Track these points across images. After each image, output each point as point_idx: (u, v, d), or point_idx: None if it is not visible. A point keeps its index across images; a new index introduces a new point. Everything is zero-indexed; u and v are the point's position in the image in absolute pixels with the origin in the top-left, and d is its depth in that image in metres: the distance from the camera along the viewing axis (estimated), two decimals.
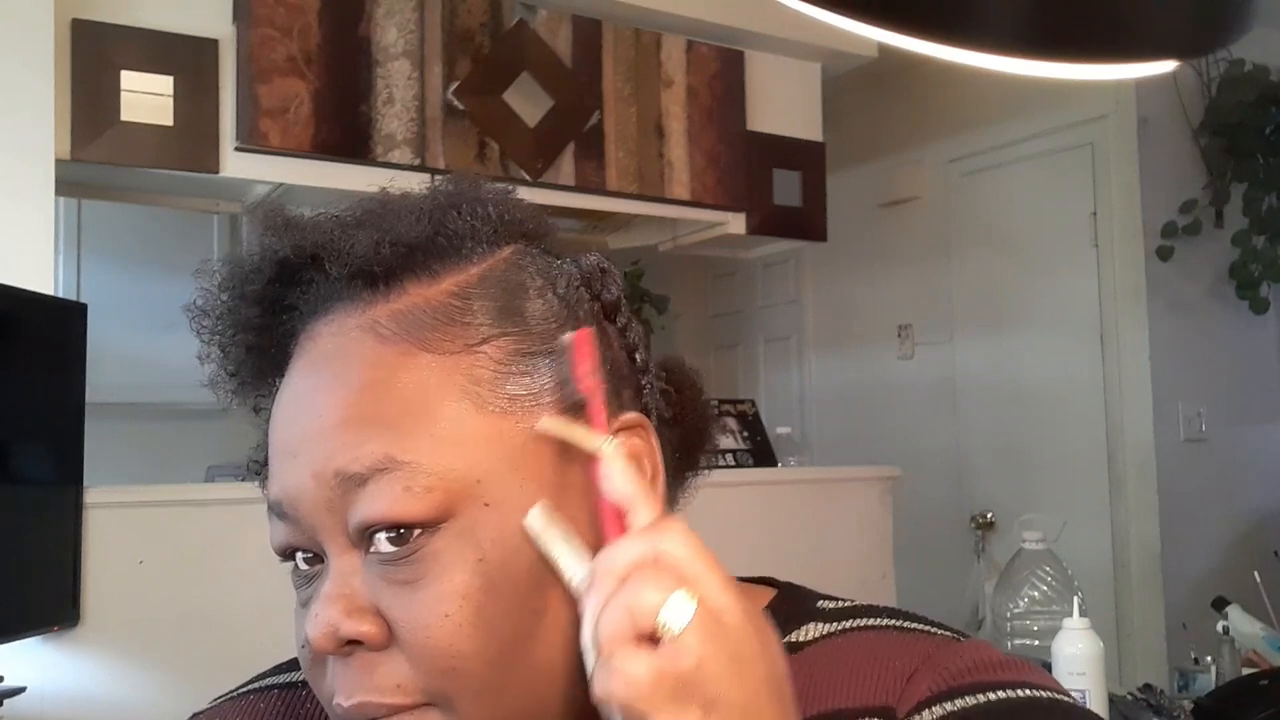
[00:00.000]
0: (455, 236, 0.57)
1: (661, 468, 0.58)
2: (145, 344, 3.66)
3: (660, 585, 0.47)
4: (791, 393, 4.77)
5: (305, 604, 0.55)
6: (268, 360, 0.60)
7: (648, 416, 0.59)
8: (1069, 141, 3.75)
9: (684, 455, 0.66)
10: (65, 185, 2.30)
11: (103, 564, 2.08)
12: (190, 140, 2.33)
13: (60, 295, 2.45)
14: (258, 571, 2.21)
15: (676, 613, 0.47)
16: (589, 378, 0.55)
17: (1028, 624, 2.13)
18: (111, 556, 2.10)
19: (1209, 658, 2.10)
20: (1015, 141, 3.89)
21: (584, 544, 0.53)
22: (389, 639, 0.52)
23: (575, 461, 0.55)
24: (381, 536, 0.52)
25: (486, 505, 0.52)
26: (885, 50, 3.01)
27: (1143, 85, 3.42)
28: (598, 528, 0.53)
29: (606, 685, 0.46)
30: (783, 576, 0.69)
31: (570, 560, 0.52)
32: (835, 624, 0.63)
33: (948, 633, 0.63)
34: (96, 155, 2.25)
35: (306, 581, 0.56)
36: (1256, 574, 2.30)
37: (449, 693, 0.52)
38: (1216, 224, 3.57)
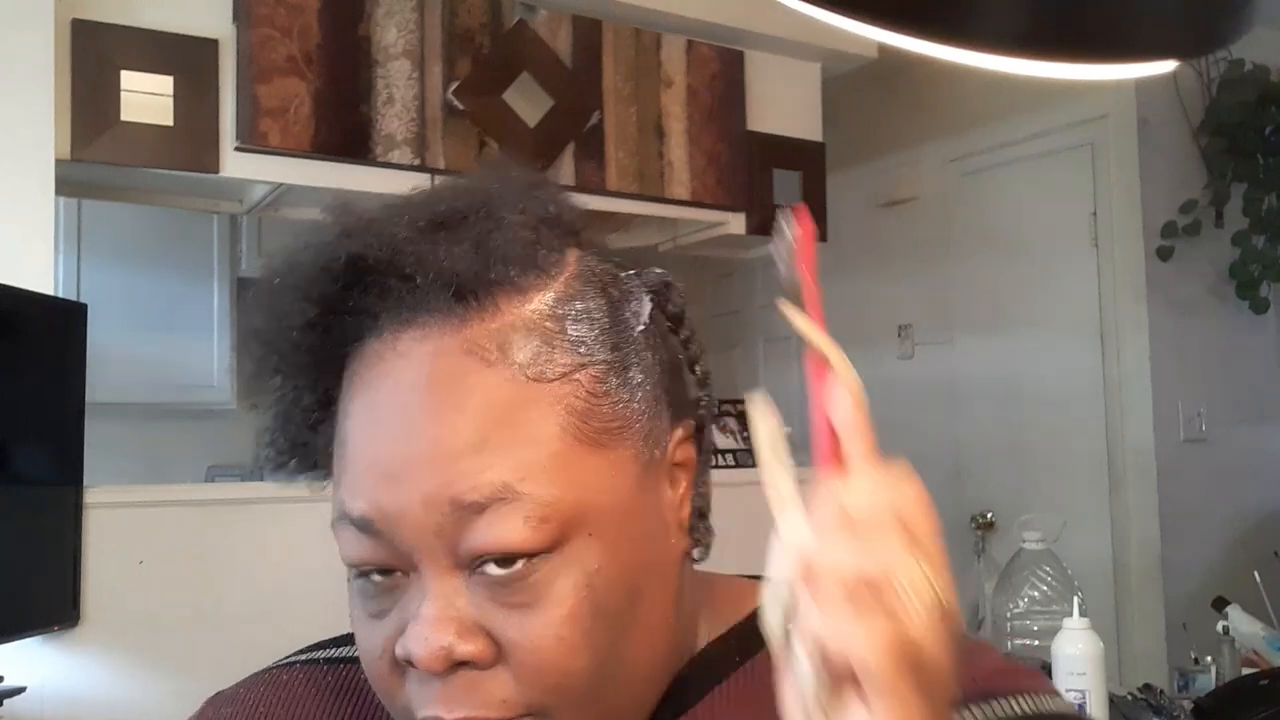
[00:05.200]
0: (527, 244, 0.57)
1: (699, 479, 0.62)
2: (145, 344, 3.67)
3: (903, 548, 0.46)
4: (791, 393, 4.75)
5: (379, 616, 0.57)
6: (317, 358, 0.59)
7: (702, 427, 0.63)
8: (1069, 141, 3.75)
9: None
10: (65, 185, 2.29)
11: (103, 564, 2.08)
12: (190, 140, 2.33)
13: (60, 295, 2.45)
14: (257, 571, 2.22)
15: (920, 585, 0.45)
16: (807, 263, 0.53)
17: (1028, 624, 2.13)
18: (111, 556, 2.10)
19: (1209, 658, 2.11)
20: (1015, 141, 3.88)
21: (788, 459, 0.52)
22: (497, 657, 0.54)
23: (654, 483, 0.59)
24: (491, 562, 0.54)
25: (590, 535, 0.55)
26: (885, 50, 3.00)
27: (1143, 85, 3.42)
28: (818, 443, 0.54)
29: (846, 638, 0.44)
30: None
31: (787, 485, 0.52)
32: None
33: None
34: (96, 155, 2.25)
35: (383, 593, 0.57)
36: (1256, 574, 2.30)
37: (551, 706, 0.55)
38: (1216, 224, 3.56)
